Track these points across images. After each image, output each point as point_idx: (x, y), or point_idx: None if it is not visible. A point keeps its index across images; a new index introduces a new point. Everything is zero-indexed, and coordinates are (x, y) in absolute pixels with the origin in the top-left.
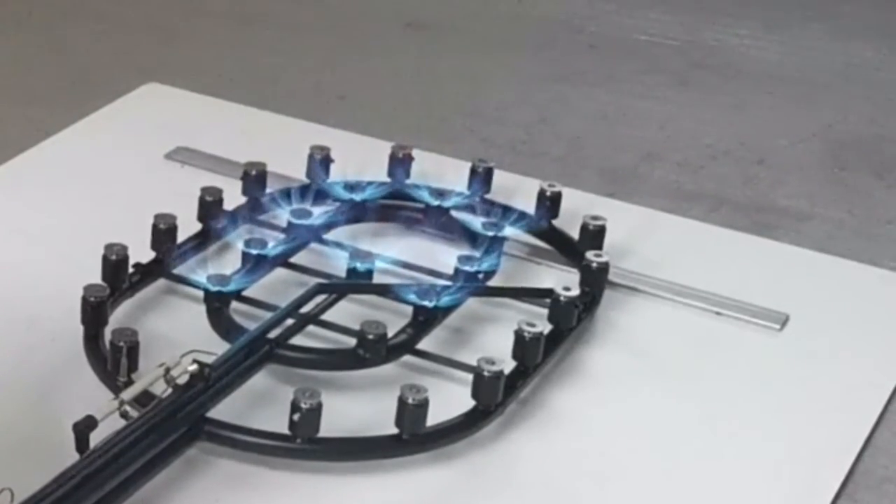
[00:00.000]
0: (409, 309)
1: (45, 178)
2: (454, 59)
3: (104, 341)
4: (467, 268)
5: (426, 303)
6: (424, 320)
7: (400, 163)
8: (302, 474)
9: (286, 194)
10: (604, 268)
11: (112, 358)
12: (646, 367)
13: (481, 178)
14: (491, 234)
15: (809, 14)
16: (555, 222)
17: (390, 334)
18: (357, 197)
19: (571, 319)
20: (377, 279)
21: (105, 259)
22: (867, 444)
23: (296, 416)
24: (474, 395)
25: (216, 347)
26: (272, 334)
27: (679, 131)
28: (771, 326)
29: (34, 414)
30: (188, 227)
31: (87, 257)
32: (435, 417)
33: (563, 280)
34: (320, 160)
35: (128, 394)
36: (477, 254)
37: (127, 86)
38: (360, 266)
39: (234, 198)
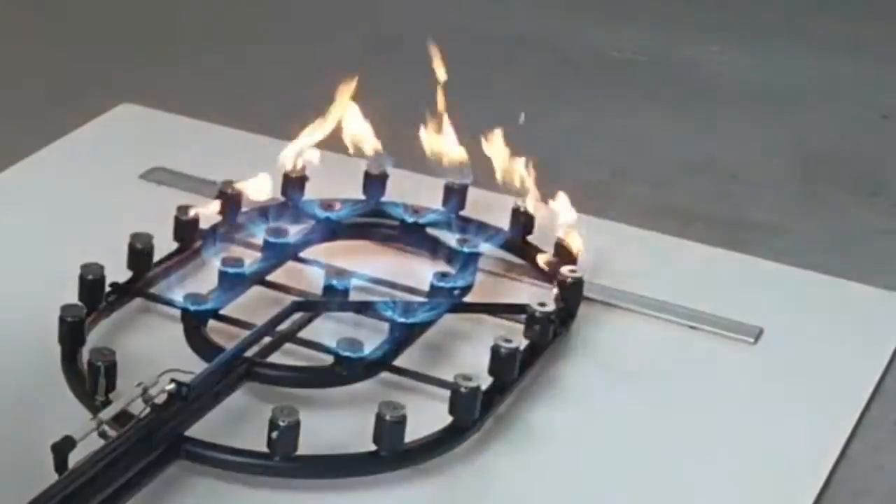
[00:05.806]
0: (386, 326)
1: (22, 198)
2: (425, 75)
3: (82, 361)
4: (443, 284)
5: (403, 319)
6: (401, 337)
7: (375, 181)
8: (280, 492)
9: (262, 213)
10: (578, 283)
11: (90, 378)
12: (621, 381)
13: (456, 195)
14: (466, 250)
15: (780, 29)
16: (529, 238)
17: (367, 351)
18: (333, 215)
19: (547, 335)
20: (354, 296)
21: (82, 279)
22: (842, 457)
23: (274, 434)
24: (452, 411)
25: (194, 366)
26: (249, 353)
27: (651, 147)
28: (745, 340)
29: (11, 434)
30: (165, 246)
31: (64, 277)
32: (413, 434)
33: (539, 296)
34: (296, 178)
35: (106, 414)
36: (452, 270)
37: (102, 106)
38: (336, 284)
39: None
